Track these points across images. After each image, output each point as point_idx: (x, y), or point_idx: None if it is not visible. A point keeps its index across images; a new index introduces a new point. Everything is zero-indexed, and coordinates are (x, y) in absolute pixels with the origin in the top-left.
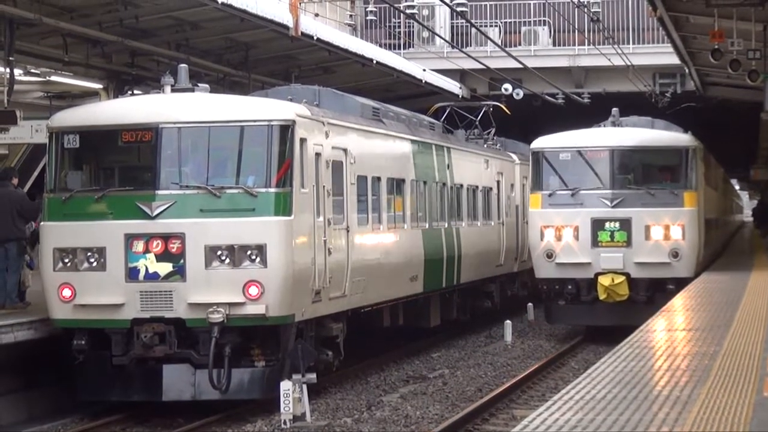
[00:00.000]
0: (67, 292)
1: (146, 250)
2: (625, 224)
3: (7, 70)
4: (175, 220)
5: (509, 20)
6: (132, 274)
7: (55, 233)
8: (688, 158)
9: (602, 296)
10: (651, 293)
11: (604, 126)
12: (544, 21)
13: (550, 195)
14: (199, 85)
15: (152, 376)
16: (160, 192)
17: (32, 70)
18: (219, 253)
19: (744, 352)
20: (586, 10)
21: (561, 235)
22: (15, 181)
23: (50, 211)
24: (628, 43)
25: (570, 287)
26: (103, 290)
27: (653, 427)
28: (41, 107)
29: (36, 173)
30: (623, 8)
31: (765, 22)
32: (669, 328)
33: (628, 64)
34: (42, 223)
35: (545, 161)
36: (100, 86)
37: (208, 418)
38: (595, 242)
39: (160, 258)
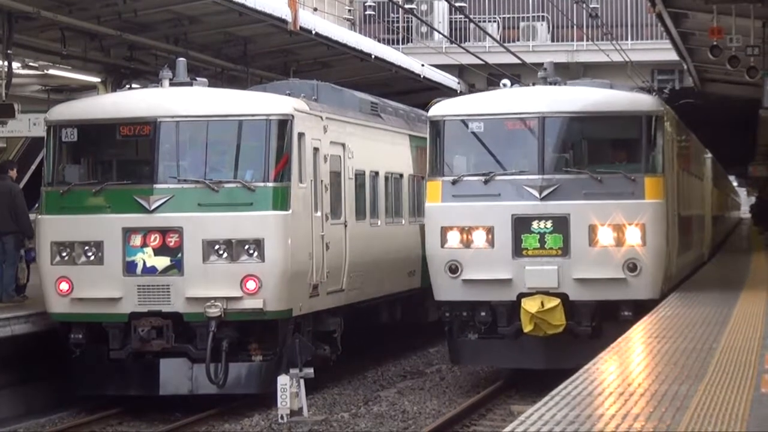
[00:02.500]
0: (64, 286)
1: (144, 244)
2: (561, 224)
3: (5, 63)
4: (172, 214)
5: (508, 16)
6: (129, 268)
7: (53, 227)
8: (651, 130)
9: (528, 327)
10: (597, 323)
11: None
12: (543, 17)
13: (454, 183)
14: (198, 79)
15: (149, 370)
16: (158, 186)
17: (30, 64)
18: (217, 247)
19: (742, 348)
20: (584, 5)
21: (470, 240)
22: (13, 173)
23: (48, 204)
24: (627, 39)
25: (483, 314)
26: (101, 284)
27: (651, 423)
28: (39, 101)
29: (34, 167)
30: (622, 4)
31: (764, 18)
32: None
33: (627, 60)
34: (39, 216)
35: (447, 135)
36: (99, 80)
37: (205, 413)
38: (518, 250)
39: (157, 252)
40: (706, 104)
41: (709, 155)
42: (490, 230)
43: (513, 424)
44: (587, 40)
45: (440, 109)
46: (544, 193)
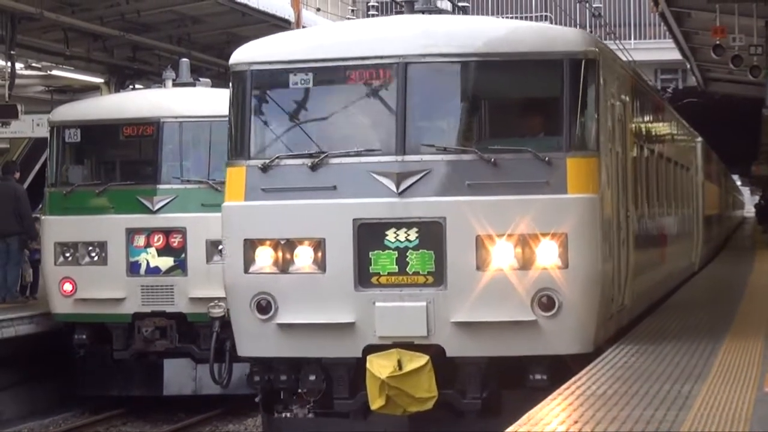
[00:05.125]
0: (68, 287)
1: (147, 245)
2: (432, 234)
3: (9, 64)
4: (176, 214)
5: (511, 15)
6: (133, 268)
7: (56, 227)
8: (578, 82)
9: (376, 403)
10: (492, 393)
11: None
12: (546, 16)
13: (264, 170)
14: (201, 79)
15: (153, 370)
16: (161, 186)
17: (33, 64)
18: (220, 247)
19: (745, 348)
20: (587, 5)
21: (289, 260)
22: (17, 175)
23: (51, 205)
24: (630, 38)
25: (312, 379)
26: (105, 284)
27: (654, 422)
28: (42, 101)
29: (37, 167)
30: (625, 4)
31: (767, 17)
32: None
33: (630, 59)
34: (43, 217)
35: (256, 93)
36: (102, 80)
37: (209, 413)
38: (365, 277)
39: (161, 252)
40: (709, 103)
41: (700, 140)
42: (319, 245)
43: (515, 424)
44: None
45: (246, 53)
46: (405, 184)
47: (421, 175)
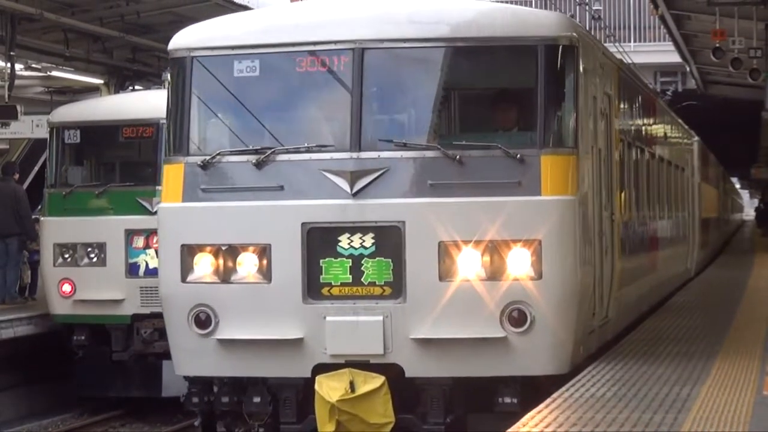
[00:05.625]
0: (67, 288)
1: (147, 246)
2: (390, 240)
3: (8, 65)
4: None
5: None
6: (132, 269)
7: (56, 228)
8: (554, 70)
9: (326, 429)
10: (457, 417)
11: None
12: None
13: (204, 167)
14: None
15: (152, 371)
16: (160, 188)
17: (33, 65)
18: None
19: (744, 351)
20: (587, 8)
21: (231, 268)
22: (16, 176)
23: (51, 206)
24: (630, 41)
25: (257, 401)
26: (104, 286)
27: (653, 425)
28: (42, 102)
29: (36, 168)
30: (624, 6)
31: (766, 20)
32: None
33: (630, 62)
34: (42, 218)
35: (197, 82)
36: (101, 81)
37: None
38: (314, 288)
39: None
40: (709, 106)
41: (696, 139)
42: (264, 252)
43: (515, 426)
44: None
45: (186, 37)
46: (360, 184)
47: (378, 174)
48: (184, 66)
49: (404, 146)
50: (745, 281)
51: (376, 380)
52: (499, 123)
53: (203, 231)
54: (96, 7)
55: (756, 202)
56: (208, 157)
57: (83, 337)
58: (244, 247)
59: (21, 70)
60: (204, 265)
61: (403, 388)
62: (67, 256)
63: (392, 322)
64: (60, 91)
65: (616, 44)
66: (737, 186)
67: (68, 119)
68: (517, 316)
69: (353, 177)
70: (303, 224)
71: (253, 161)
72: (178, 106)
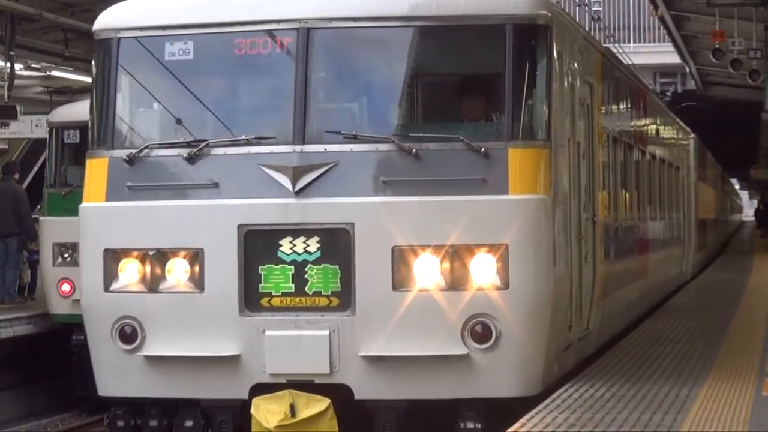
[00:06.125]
0: (66, 287)
1: None
2: (337, 244)
3: (8, 64)
4: None
5: None
6: None
7: (55, 228)
8: (525, 54)
9: None
10: None
11: None
12: None
13: (130, 162)
14: None
15: None
16: None
17: (33, 65)
18: None
19: (743, 352)
20: (587, 8)
21: (159, 276)
22: (16, 176)
23: (50, 205)
24: (629, 42)
25: (189, 425)
26: None
27: (652, 426)
28: (41, 102)
29: (36, 168)
30: (624, 7)
31: (766, 21)
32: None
33: (629, 63)
34: (41, 218)
35: (123, 66)
36: None
37: None
38: (253, 298)
39: None
40: (708, 107)
41: (693, 137)
42: (196, 257)
43: (514, 426)
44: None
45: (111, 16)
46: (304, 181)
47: (324, 169)
48: (110, 48)
49: (354, 138)
50: (744, 283)
51: (321, 403)
52: (464, 113)
53: (129, 234)
54: (95, 6)
55: (755, 203)
56: (134, 151)
57: (83, 337)
58: (174, 252)
59: (20, 70)
60: (129, 272)
61: (352, 412)
62: (66, 255)
63: (340, 337)
64: (59, 91)
65: (616, 45)
66: (736, 187)
67: (68, 119)
68: (480, 331)
69: (296, 173)
70: (239, 226)
71: (185, 155)
72: (102, 94)
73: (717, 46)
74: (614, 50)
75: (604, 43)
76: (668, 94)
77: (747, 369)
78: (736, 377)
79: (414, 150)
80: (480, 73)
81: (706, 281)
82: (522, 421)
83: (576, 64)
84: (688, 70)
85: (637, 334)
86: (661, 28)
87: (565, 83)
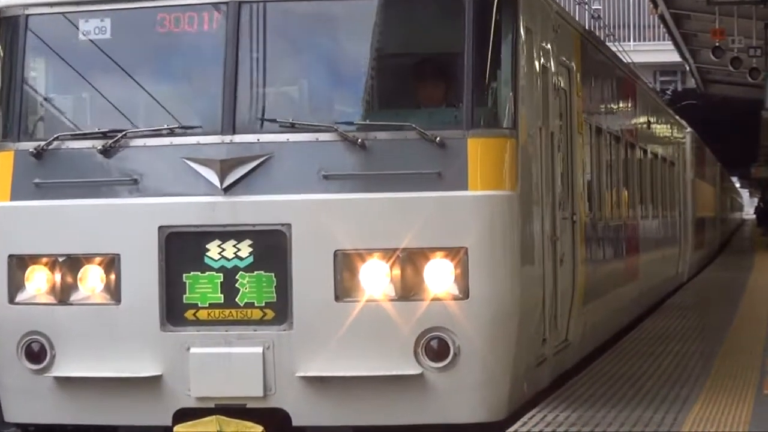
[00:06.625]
0: None
1: None
2: (272, 249)
3: None
4: None
5: None
6: None
7: None
8: (488, 29)
9: None
10: None
11: None
12: None
13: (38, 155)
14: None
15: None
16: None
17: None
18: None
19: (744, 351)
20: (587, 7)
21: (70, 285)
22: None
23: None
24: (629, 40)
25: None
26: None
27: (653, 424)
28: None
29: None
30: (624, 5)
31: (766, 19)
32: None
33: (629, 61)
34: None
35: (31, 48)
36: None
37: None
38: (176, 310)
39: None
40: (708, 105)
41: (689, 131)
42: (112, 264)
43: (516, 425)
44: None
45: None
46: (233, 176)
47: (257, 163)
48: (17, 27)
49: (292, 127)
50: (744, 282)
51: (253, 430)
52: (418, 98)
53: (36, 238)
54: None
55: (756, 201)
56: (43, 143)
57: None
58: (87, 258)
59: None
60: (37, 281)
61: None
62: None
63: (275, 355)
64: None
65: (616, 43)
66: (737, 185)
67: None
68: (436, 347)
69: (224, 167)
70: (161, 228)
71: (100, 147)
72: (8, 79)
73: (717, 44)
74: (614, 49)
75: (605, 41)
76: (668, 92)
77: (748, 368)
78: (737, 376)
79: (360, 140)
80: (436, 53)
81: (704, 281)
82: (523, 420)
83: (549, 44)
84: (688, 68)
85: (638, 332)
86: (661, 26)
87: (536, 64)
